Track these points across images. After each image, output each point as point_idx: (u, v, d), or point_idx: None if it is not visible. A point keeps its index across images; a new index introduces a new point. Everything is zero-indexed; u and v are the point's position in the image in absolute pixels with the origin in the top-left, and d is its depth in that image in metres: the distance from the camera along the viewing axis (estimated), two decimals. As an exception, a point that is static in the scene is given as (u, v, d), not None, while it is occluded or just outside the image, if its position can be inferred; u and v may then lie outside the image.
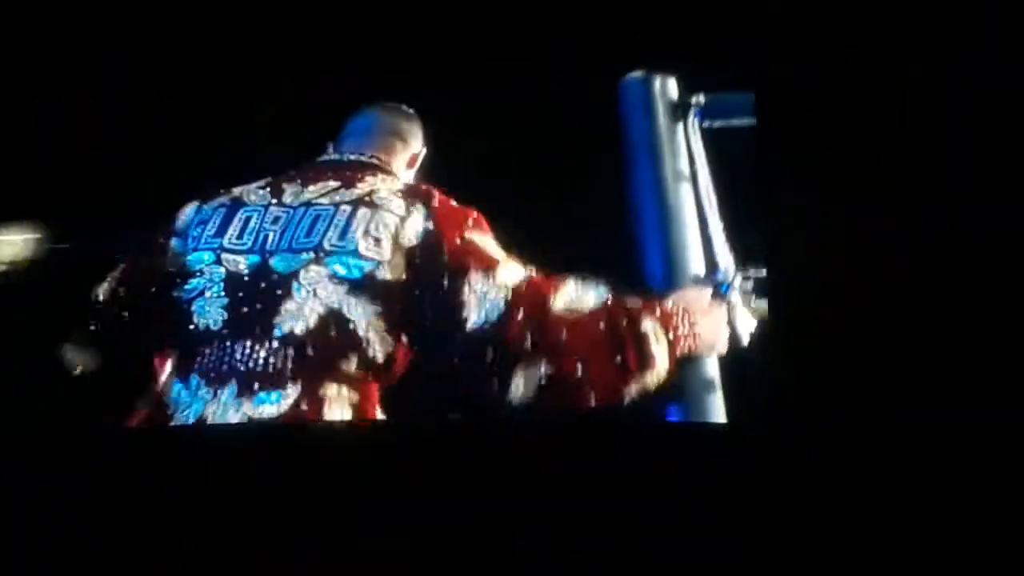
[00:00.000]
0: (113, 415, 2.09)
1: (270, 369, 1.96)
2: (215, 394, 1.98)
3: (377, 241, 2.00)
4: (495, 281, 1.97)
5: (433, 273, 1.99)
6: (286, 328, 1.97)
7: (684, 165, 2.17)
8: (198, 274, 2.05)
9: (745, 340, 2.11)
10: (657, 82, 2.18)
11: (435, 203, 2.06)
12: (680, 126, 2.18)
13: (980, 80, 2.12)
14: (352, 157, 2.20)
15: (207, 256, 2.06)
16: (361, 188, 2.09)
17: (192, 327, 2.03)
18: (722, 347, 2.08)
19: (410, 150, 2.27)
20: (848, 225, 2.15)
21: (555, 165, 2.35)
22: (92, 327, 2.15)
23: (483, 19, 2.25)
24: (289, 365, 1.96)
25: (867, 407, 2.07)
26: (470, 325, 1.95)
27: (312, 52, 2.37)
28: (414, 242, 2.02)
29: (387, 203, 2.06)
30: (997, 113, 2.12)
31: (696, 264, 2.15)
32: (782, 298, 2.09)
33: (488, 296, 1.96)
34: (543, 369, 1.93)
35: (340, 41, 2.36)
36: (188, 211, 2.16)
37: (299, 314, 1.98)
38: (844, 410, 2.07)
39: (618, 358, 1.94)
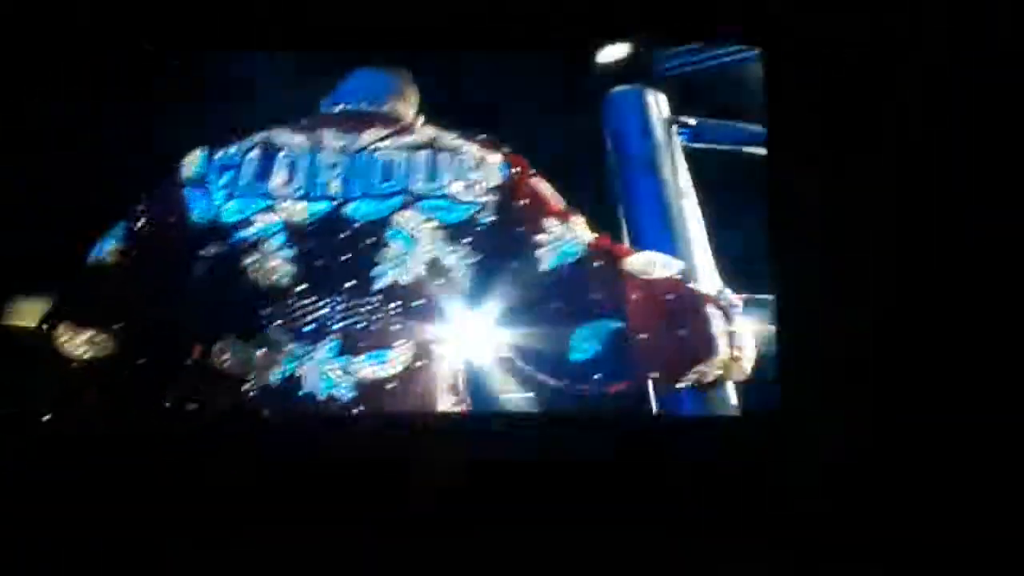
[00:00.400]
0: (146, 398, 1.91)
1: (375, 326, 1.84)
2: (310, 351, 1.84)
3: (468, 185, 1.93)
4: (570, 228, 1.92)
5: (511, 217, 1.92)
6: (388, 279, 1.86)
7: (684, 182, 2.17)
8: (243, 225, 1.90)
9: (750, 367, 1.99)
10: (651, 97, 2.18)
11: (505, 149, 1.99)
12: (673, 143, 2.18)
13: (980, 80, 2.11)
14: (371, 109, 2.07)
15: (255, 204, 1.90)
16: (421, 135, 2.00)
17: (251, 284, 1.87)
18: (747, 372, 1.96)
19: (410, 115, 2.14)
20: (850, 224, 2.15)
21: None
22: (99, 300, 1.93)
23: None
24: (395, 320, 1.85)
25: (870, 406, 2.08)
26: (544, 266, 1.89)
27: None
28: (494, 185, 1.94)
29: (460, 148, 1.97)
30: (997, 113, 2.11)
31: (708, 284, 2.09)
32: (783, 297, 2.09)
33: (564, 240, 1.90)
34: (610, 324, 1.86)
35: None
36: (196, 158, 1.99)
37: (401, 263, 1.87)
38: (846, 409, 2.07)
39: (682, 332, 1.86)
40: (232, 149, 1.99)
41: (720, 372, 1.88)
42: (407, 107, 2.13)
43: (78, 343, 1.89)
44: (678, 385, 1.88)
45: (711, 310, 1.89)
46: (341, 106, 2.09)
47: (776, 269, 2.09)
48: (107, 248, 1.96)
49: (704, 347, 1.86)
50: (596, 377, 1.86)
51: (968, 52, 2.11)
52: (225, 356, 1.87)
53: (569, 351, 1.86)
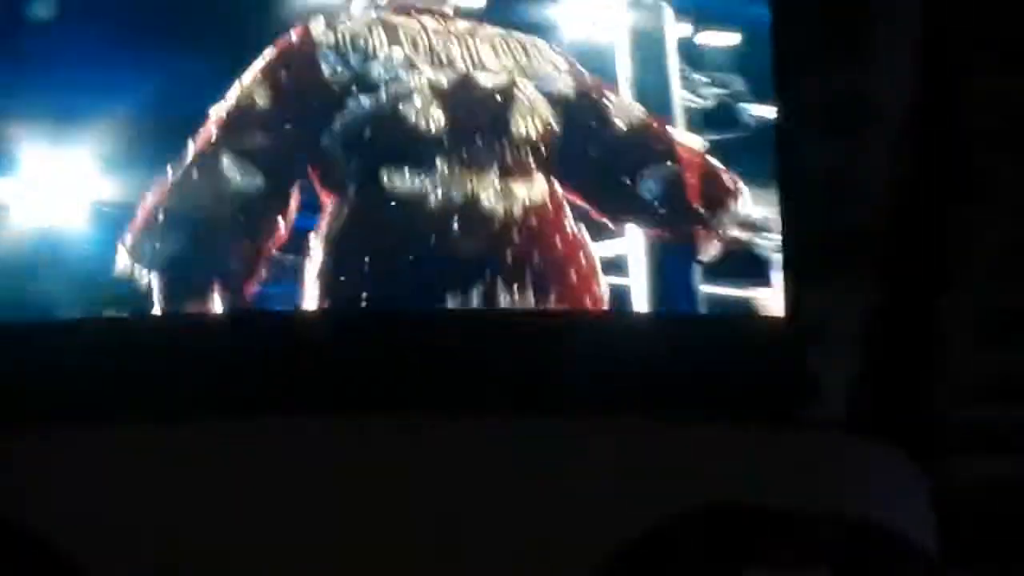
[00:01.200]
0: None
1: (520, 162, 2.17)
2: (477, 175, 2.13)
3: (556, 67, 2.27)
4: (623, 99, 2.28)
5: (584, 91, 2.27)
6: (522, 130, 2.18)
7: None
8: (394, 82, 2.16)
9: None
10: (670, 18, 2.28)
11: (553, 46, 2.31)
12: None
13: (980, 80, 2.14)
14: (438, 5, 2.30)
15: (401, 68, 2.18)
16: (493, 30, 2.28)
17: (411, 128, 2.14)
18: None
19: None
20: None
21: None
22: (255, 134, 2.12)
23: None
24: (532, 159, 2.19)
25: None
26: (620, 130, 2.26)
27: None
28: (563, 68, 2.27)
29: (532, 40, 2.28)
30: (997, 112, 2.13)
31: None
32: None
33: (626, 108, 2.27)
34: (672, 167, 2.23)
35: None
36: (321, 24, 2.20)
37: (527, 122, 2.19)
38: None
39: (711, 182, 2.24)
40: (351, 22, 2.23)
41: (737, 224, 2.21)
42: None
43: (242, 174, 2.11)
44: (722, 233, 2.21)
45: (726, 177, 2.24)
46: None
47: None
48: (251, 88, 2.15)
49: (730, 189, 2.22)
50: (661, 213, 2.23)
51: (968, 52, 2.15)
52: (394, 183, 2.12)
53: (639, 187, 2.23)
